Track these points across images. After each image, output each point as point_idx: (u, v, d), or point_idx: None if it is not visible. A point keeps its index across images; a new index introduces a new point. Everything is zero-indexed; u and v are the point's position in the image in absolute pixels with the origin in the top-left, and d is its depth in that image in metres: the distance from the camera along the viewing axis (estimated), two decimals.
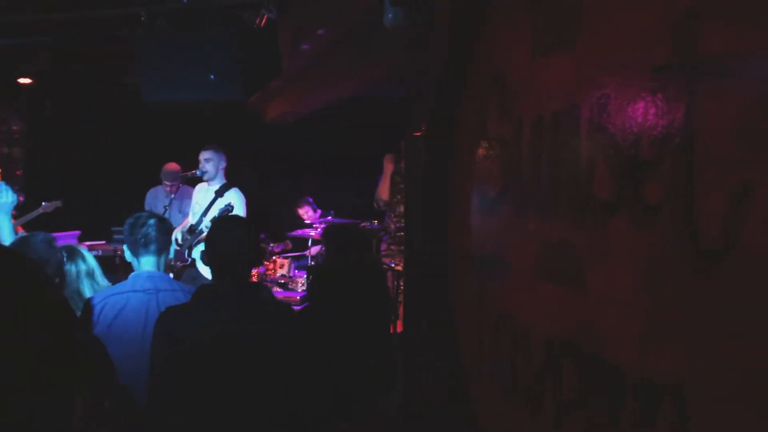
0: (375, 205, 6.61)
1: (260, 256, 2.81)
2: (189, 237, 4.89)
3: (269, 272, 6.87)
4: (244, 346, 2.22)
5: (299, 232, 6.72)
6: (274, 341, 2.26)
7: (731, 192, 0.96)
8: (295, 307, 5.03)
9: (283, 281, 6.82)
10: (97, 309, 2.61)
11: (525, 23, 1.57)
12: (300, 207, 6.99)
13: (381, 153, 6.33)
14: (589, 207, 1.31)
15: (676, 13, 1.07)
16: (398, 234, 6.97)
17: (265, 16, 5.10)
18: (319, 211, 6.98)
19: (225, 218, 3.87)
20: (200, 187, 5.13)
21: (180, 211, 5.73)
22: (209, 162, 4.93)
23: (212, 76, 5.65)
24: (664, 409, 1.11)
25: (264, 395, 2.23)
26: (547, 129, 1.45)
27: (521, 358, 1.58)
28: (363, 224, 6.65)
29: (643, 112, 1.14)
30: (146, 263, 2.76)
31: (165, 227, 2.89)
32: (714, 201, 0.99)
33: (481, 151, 1.77)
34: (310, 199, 7.04)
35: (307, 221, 6.89)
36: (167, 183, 5.98)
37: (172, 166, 5.95)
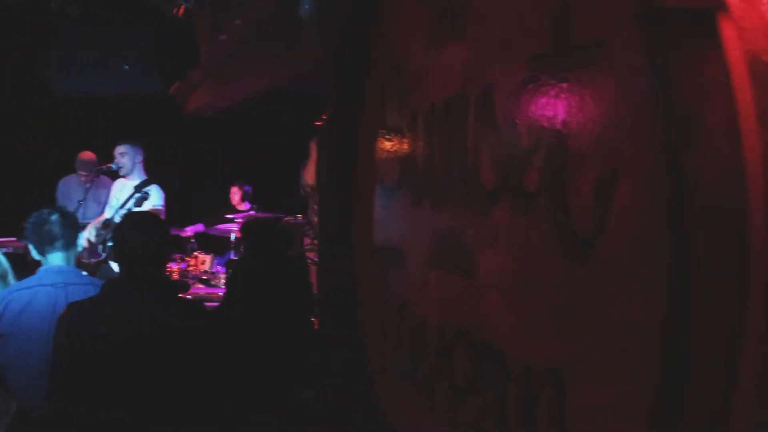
0: (302, 191, 6.57)
1: (169, 252, 2.75)
2: (103, 232, 4.74)
3: (191, 268, 6.73)
4: (148, 341, 2.17)
5: (220, 227, 6.60)
6: (179, 337, 2.21)
7: (599, 179, 0.98)
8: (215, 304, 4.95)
9: (205, 277, 6.69)
10: (0, 306, 2.52)
11: (421, 13, 1.57)
12: (233, 190, 6.90)
13: (305, 146, 6.28)
14: (476, 195, 1.32)
15: (552, 2, 1.08)
16: None
17: (183, 6, 4.98)
18: (247, 204, 6.89)
19: (133, 213, 3.79)
20: (119, 183, 4.97)
21: (96, 201, 5.54)
22: (124, 156, 4.79)
23: (126, 67, 5.47)
24: (544, 391, 1.13)
25: (167, 391, 2.18)
26: (438, 118, 1.46)
27: (418, 347, 1.59)
28: (287, 218, 6.59)
29: (521, 101, 1.16)
30: (54, 258, 2.67)
31: (69, 221, 2.79)
32: (584, 188, 1.01)
33: (380, 142, 1.77)
34: (247, 188, 6.95)
35: (236, 206, 6.82)
36: (82, 173, 5.73)
37: (88, 155, 5.73)
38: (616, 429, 0.98)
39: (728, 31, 0.81)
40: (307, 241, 6.79)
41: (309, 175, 6.44)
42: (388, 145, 1.73)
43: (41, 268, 2.68)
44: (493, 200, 1.26)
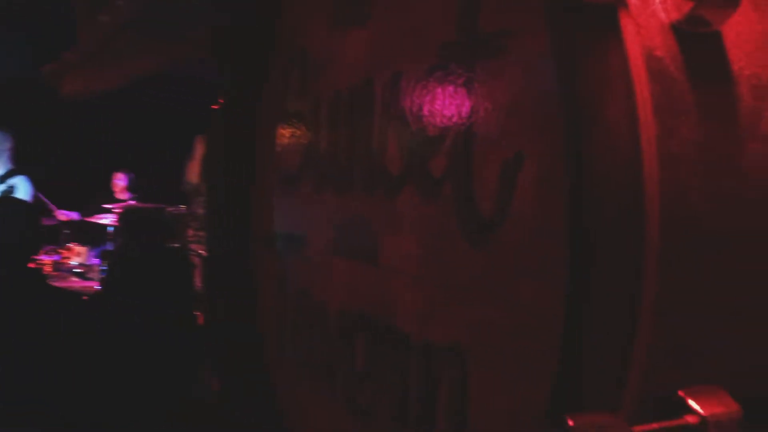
0: (183, 188, 6.38)
1: (38, 243, 2.63)
2: None
3: (64, 260, 6.37)
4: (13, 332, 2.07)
5: (98, 217, 6.29)
6: (44, 328, 2.13)
7: (504, 164, 1.02)
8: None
9: (80, 270, 6.35)
10: None
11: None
12: (118, 176, 6.58)
13: (190, 136, 6.10)
14: (382, 181, 1.34)
15: None
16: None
17: None
18: (128, 194, 6.60)
19: (2, 200, 3.59)
20: None
21: None
22: None
23: None
24: (446, 370, 1.16)
25: (43, 386, 2.07)
26: (344, 105, 1.46)
27: (318, 334, 1.59)
28: (169, 209, 6.39)
29: (429, 89, 1.18)
30: None
31: None
32: (489, 173, 1.05)
33: (281, 128, 1.75)
34: (130, 176, 6.64)
35: (116, 195, 6.52)
36: None
37: None
38: (516, 406, 1.03)
39: (627, 27, 0.87)
40: (190, 232, 6.59)
41: (192, 173, 6.27)
42: (289, 132, 1.72)
43: None
44: (398, 187, 1.28)
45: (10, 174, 4.36)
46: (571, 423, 0.82)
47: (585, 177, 0.84)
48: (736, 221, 0.94)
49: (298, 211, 1.69)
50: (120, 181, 6.63)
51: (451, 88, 1.14)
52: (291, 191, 1.72)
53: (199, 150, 6.60)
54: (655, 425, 0.90)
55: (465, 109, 1.10)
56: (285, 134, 1.74)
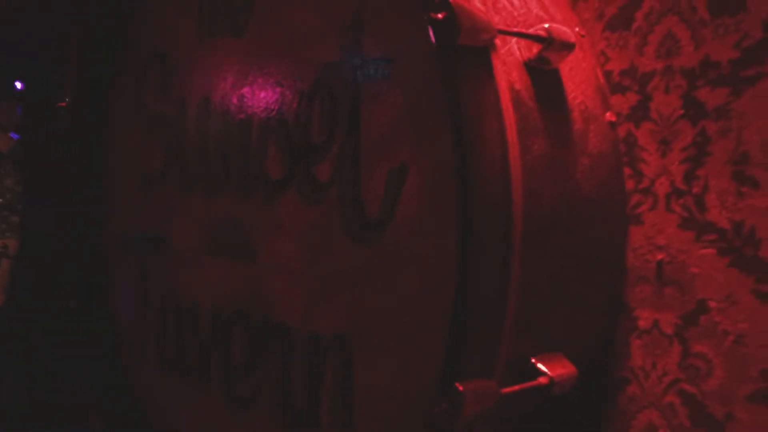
0: None
1: None
2: None
3: None
4: None
5: None
6: None
7: (390, 173, 1.18)
8: None
9: None
10: None
11: (190, 5, 1.61)
12: None
13: None
14: (260, 185, 1.43)
15: (343, 19, 1.25)
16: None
17: None
18: None
19: None
20: None
21: None
22: None
23: None
24: (331, 357, 1.30)
25: None
26: (216, 110, 1.53)
27: (188, 332, 1.64)
28: None
29: (314, 101, 1.31)
30: None
31: None
32: (375, 179, 1.20)
33: (140, 129, 1.76)
34: None
35: None
36: None
37: None
38: (403, 384, 1.20)
39: (497, 64, 1.06)
40: None
41: None
42: (149, 132, 1.74)
43: None
44: (279, 190, 1.39)
45: None
46: (461, 389, 1.01)
47: (469, 182, 1.02)
48: (570, 214, 1.19)
49: (161, 211, 1.72)
50: None
51: (334, 104, 1.27)
52: (152, 191, 1.74)
53: None
54: (517, 387, 1.12)
55: (350, 122, 1.24)
56: (144, 134, 1.76)
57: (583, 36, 1.33)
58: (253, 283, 1.46)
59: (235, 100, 1.48)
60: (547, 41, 1.13)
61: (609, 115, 1.30)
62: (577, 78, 1.24)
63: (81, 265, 1.89)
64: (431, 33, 0.98)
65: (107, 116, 1.86)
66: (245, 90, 1.46)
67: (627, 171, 1.32)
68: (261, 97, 1.42)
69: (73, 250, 1.93)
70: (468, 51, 1.02)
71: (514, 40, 1.13)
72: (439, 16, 0.97)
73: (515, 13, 1.19)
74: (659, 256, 1.29)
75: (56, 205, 2.43)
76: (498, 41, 1.08)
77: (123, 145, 1.83)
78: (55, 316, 2.54)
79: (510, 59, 1.12)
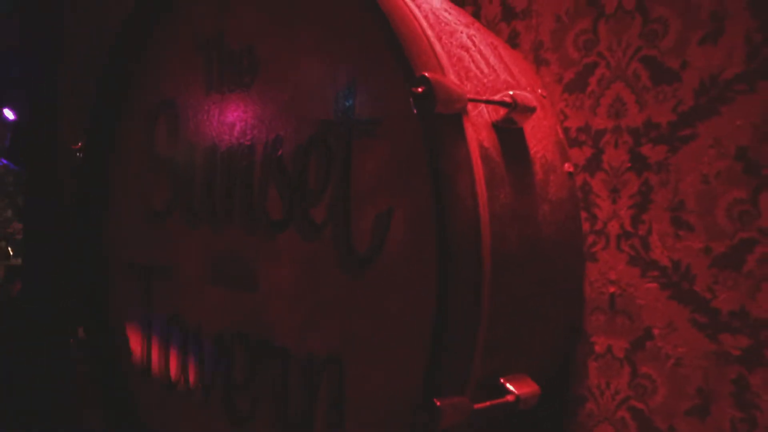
0: None
1: None
2: None
3: None
4: None
5: None
6: None
7: (377, 216, 1.37)
8: None
9: None
10: None
11: (196, 60, 1.80)
12: None
13: None
14: (261, 223, 1.61)
15: (338, 82, 1.44)
16: None
17: None
18: None
19: None
20: None
21: None
22: None
23: None
24: (324, 376, 1.47)
25: None
26: (222, 157, 1.71)
27: (192, 354, 1.81)
28: None
29: (309, 154, 1.49)
30: None
31: None
32: (365, 221, 1.39)
33: (148, 169, 1.94)
34: None
35: None
36: None
37: None
38: (389, 400, 1.37)
39: (468, 126, 1.26)
40: None
41: None
42: (157, 172, 1.91)
43: None
44: (279, 229, 1.57)
45: None
46: (438, 404, 1.19)
47: (446, 229, 1.20)
48: (533, 253, 1.38)
49: (168, 243, 1.89)
50: None
51: (328, 156, 1.46)
52: (159, 225, 1.91)
53: None
54: (488, 403, 1.30)
55: (342, 171, 1.43)
56: (152, 174, 1.93)
57: (544, 97, 1.53)
58: (254, 309, 1.63)
59: (239, 148, 1.67)
60: (512, 106, 1.32)
61: (567, 166, 1.50)
62: (539, 134, 1.44)
63: (84, 291, 2.05)
64: (412, 104, 1.17)
65: (115, 155, 2.03)
66: (250, 139, 1.64)
67: (584, 214, 1.52)
68: (264, 146, 1.60)
69: (76, 276, 2.09)
70: (443, 117, 1.21)
71: (483, 105, 1.33)
72: (419, 90, 1.16)
73: (485, 80, 1.39)
74: (611, 289, 1.48)
75: (59, 233, 2.60)
76: (470, 107, 1.28)
77: (131, 182, 2.00)
78: (57, 342, 2.69)
79: (480, 121, 1.32)
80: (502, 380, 1.35)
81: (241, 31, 1.71)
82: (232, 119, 1.69)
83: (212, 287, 1.75)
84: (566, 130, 1.54)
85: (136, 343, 1.99)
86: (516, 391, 1.34)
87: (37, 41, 2.98)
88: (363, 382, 1.42)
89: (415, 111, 1.18)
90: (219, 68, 1.74)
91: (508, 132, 1.36)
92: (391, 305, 1.36)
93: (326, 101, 1.47)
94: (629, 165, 1.45)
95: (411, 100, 1.17)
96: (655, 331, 1.42)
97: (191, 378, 1.81)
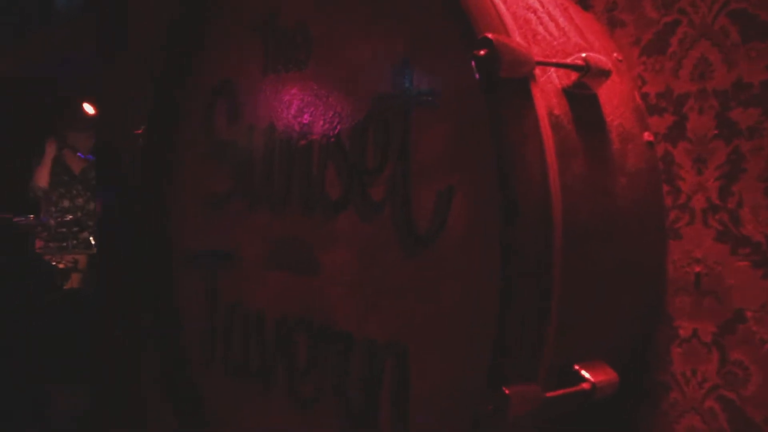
0: (31, 193, 6.14)
1: None
2: None
3: None
4: None
5: None
6: None
7: (438, 194, 1.29)
8: None
9: None
10: None
11: (251, 41, 1.76)
12: None
13: (37, 139, 5.88)
14: (321, 205, 1.56)
15: (394, 56, 1.37)
16: (60, 230, 6.56)
17: None
18: None
19: None
20: None
21: None
22: None
23: None
24: (388, 363, 1.41)
25: None
26: (281, 137, 1.66)
27: (254, 340, 1.78)
28: (16, 219, 6.14)
29: (368, 130, 1.43)
30: None
31: None
32: (425, 199, 1.31)
33: (209, 153, 1.91)
34: None
35: None
36: None
37: None
38: (454, 387, 1.29)
39: (536, 92, 1.16)
40: (39, 243, 6.35)
41: (41, 178, 6.04)
42: (218, 156, 1.88)
43: None
44: (337, 210, 1.51)
45: None
46: (507, 392, 1.10)
47: (511, 201, 1.11)
48: (609, 228, 1.27)
49: (229, 228, 1.86)
50: None
51: (386, 132, 1.39)
52: (220, 210, 1.88)
53: (48, 154, 6.33)
54: (560, 391, 1.20)
55: (401, 149, 1.35)
56: (213, 158, 1.90)
57: (620, 61, 1.41)
58: (315, 293, 1.58)
59: (297, 128, 1.61)
60: (584, 69, 1.22)
61: (647, 135, 1.38)
62: (615, 101, 1.33)
63: (150, 279, 2.05)
64: (474, 68, 1.08)
65: (176, 140, 2.02)
66: (307, 118, 1.58)
67: (665, 188, 1.40)
68: (321, 124, 1.54)
69: (142, 265, 2.09)
70: (509, 82, 1.12)
71: (553, 69, 1.22)
72: (482, 52, 1.07)
73: (554, 43, 1.29)
74: (697, 268, 1.36)
75: (126, 222, 2.63)
76: (537, 71, 1.18)
77: (192, 166, 1.98)
78: (125, 328, 2.73)
79: (549, 86, 1.22)
80: (576, 367, 1.25)
81: (294, 10, 1.66)
82: (289, 98, 1.64)
83: (274, 272, 1.71)
84: (644, 97, 1.42)
85: (200, 331, 1.97)
86: (592, 379, 1.24)
87: (107, 39, 3.05)
88: (427, 368, 1.34)
89: (477, 76, 1.09)
90: (274, 48, 1.69)
91: (581, 98, 1.26)
92: (454, 285, 1.28)
93: (383, 76, 1.39)
94: (716, 132, 1.32)
95: (473, 64, 1.09)
96: (748, 314, 1.29)
97: (255, 365, 1.78)
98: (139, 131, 1.98)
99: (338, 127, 1.50)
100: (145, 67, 2.48)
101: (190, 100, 2.00)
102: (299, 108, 1.61)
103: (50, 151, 5.85)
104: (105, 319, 3.15)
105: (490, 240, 1.17)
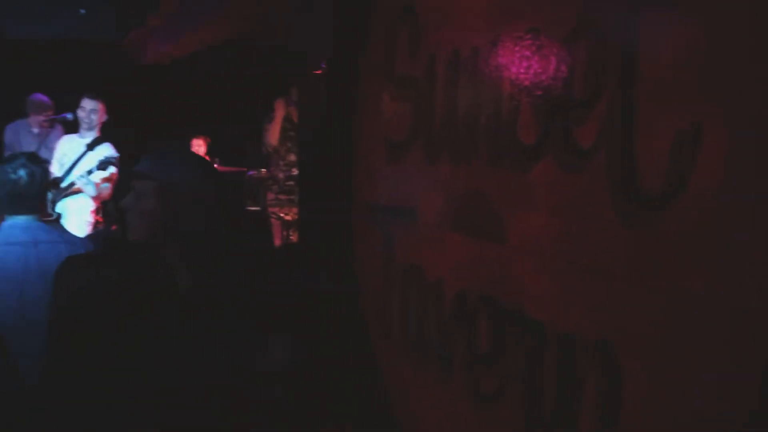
0: (264, 150, 6.42)
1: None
2: (54, 191, 4.44)
3: None
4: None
5: None
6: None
7: (678, 135, 0.87)
8: None
9: None
10: None
11: None
12: (196, 143, 6.65)
13: (268, 98, 6.10)
14: (510, 152, 1.20)
15: None
16: (287, 183, 6.82)
17: None
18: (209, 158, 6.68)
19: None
20: (68, 138, 4.61)
21: (51, 153, 5.15)
22: (95, 113, 4.44)
23: (82, 11, 5.12)
24: (592, 368, 1.04)
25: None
26: (465, 66, 1.32)
27: (431, 314, 1.49)
28: (250, 173, 6.48)
29: (574, 47, 1.03)
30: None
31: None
32: (657, 144, 0.90)
33: (388, 93, 1.63)
34: (208, 141, 6.70)
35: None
36: (35, 116, 5.23)
37: (41, 97, 5.26)
38: (690, 407, 0.89)
39: None
40: (270, 196, 6.65)
41: (272, 136, 6.28)
42: (397, 95, 1.60)
43: (5, 224, 2.44)
44: (532, 159, 1.15)
45: (96, 141, 4.34)
46: None
47: None
48: None
49: (407, 181, 1.58)
50: (199, 147, 6.68)
51: (602, 48, 0.98)
52: (398, 160, 1.61)
53: (278, 113, 6.56)
54: None
55: (621, 69, 0.95)
56: (393, 99, 1.62)
57: None
58: (501, 266, 1.25)
59: (485, 54, 1.26)
60: None
61: None
62: None
63: (334, 240, 1.84)
64: None
65: (358, 80, 1.76)
66: (496, 41, 1.22)
67: None
68: (513, 48, 1.18)
69: (330, 224, 1.89)
70: None
71: None
72: None
73: None
74: None
75: (321, 179, 2.45)
76: None
77: (371, 110, 1.72)
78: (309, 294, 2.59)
79: None
80: None
81: None
82: (474, 14, 1.29)
83: (454, 234, 1.40)
84: None
85: (377, 298, 1.73)
86: None
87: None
88: (647, 379, 0.95)
89: None
90: None
91: None
92: (698, 271, 0.86)
93: None
94: None
95: None
96: None
97: (431, 343, 1.50)
98: (318, 71, 1.75)
99: (535, 48, 1.12)
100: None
101: (373, 28, 1.72)
102: (487, 30, 1.25)
103: (279, 109, 6.08)
104: (308, 271, 3.07)
105: (764, 202, 0.75)
